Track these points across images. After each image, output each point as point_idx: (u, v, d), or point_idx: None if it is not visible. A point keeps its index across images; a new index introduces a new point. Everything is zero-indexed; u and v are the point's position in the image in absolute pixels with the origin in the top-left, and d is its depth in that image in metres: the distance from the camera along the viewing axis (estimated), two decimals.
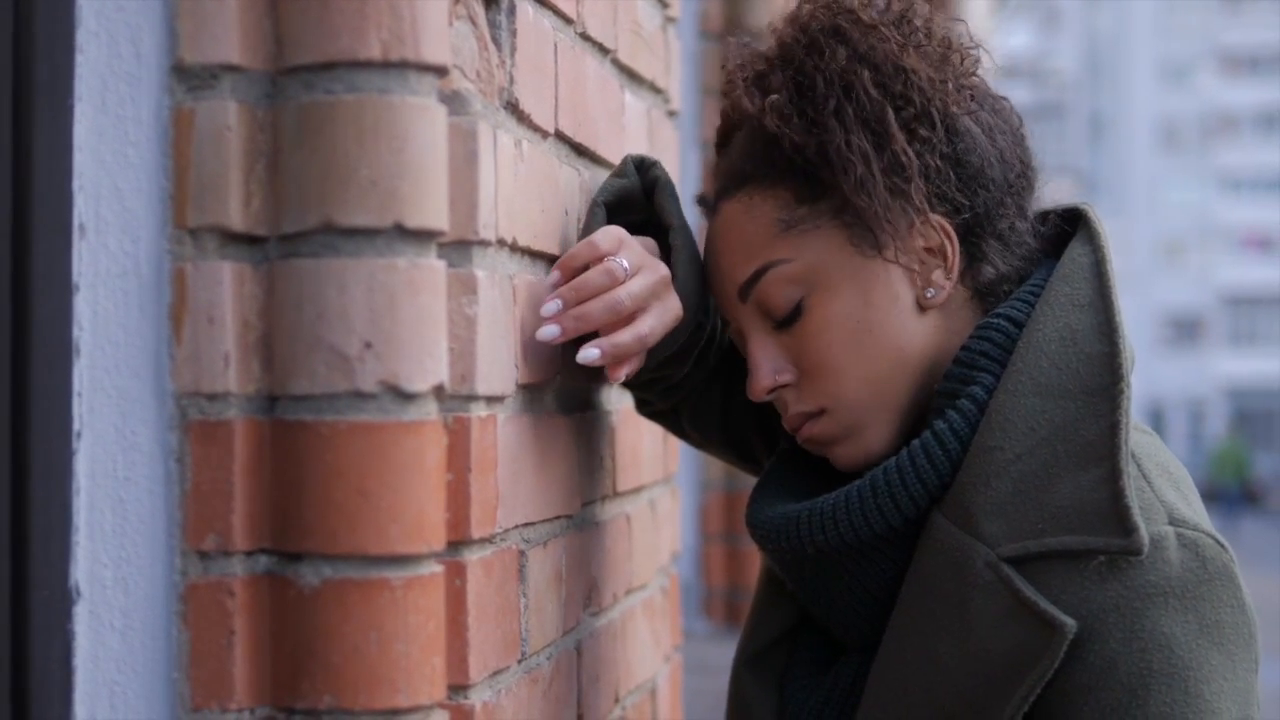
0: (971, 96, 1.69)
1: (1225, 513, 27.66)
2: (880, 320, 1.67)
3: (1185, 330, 61.39)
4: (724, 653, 3.54)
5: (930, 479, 1.63)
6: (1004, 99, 1.74)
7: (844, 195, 1.64)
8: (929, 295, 1.67)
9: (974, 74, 1.72)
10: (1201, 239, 63.49)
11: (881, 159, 1.63)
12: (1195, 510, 1.60)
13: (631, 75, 2.14)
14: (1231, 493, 28.72)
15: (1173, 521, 1.56)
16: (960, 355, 1.66)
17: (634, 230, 1.73)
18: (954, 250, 1.67)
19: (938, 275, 1.67)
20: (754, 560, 4.50)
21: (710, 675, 3.25)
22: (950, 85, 1.67)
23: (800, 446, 1.78)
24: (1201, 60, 62.86)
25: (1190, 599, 1.53)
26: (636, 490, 2.16)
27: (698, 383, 1.93)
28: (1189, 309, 61.79)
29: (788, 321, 1.69)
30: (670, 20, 2.41)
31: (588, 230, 1.72)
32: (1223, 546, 1.57)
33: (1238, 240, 64.26)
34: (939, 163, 1.66)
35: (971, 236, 1.68)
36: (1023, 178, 1.71)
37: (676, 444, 2.51)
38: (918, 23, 1.70)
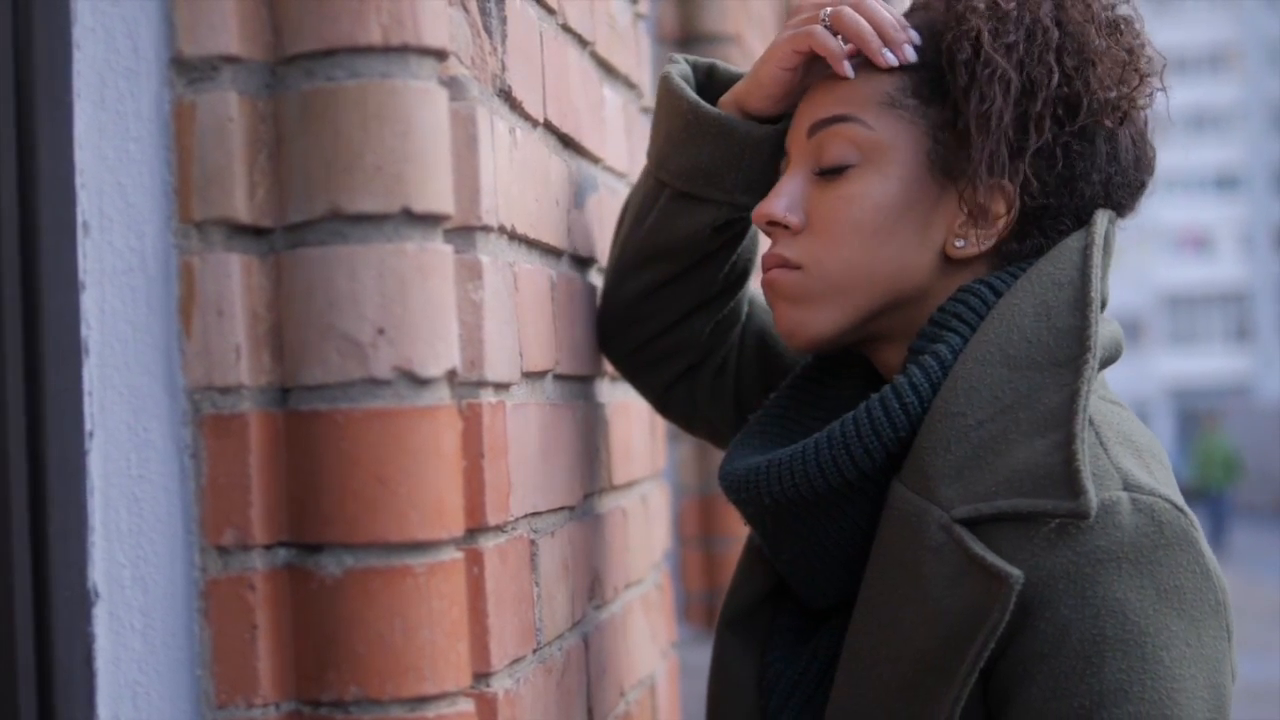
0: (1122, 119, 1.68)
1: (1213, 520, 23.45)
2: (904, 231, 1.67)
3: (1126, 332, 60.63)
4: (705, 657, 3.52)
5: (886, 433, 1.62)
6: (1153, 149, 1.74)
7: (953, 116, 1.65)
8: (957, 245, 1.67)
9: (1138, 102, 1.71)
10: (1138, 240, 63.90)
11: (1016, 111, 1.63)
12: (1156, 478, 1.58)
13: (609, 69, 2.15)
14: (1221, 495, 24.19)
15: (1127, 486, 1.54)
16: (936, 315, 1.66)
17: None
18: (1007, 225, 1.67)
19: (976, 234, 1.67)
20: (730, 564, 4.48)
21: (691, 678, 3.23)
22: (1113, 97, 1.67)
23: (783, 401, 1.80)
24: None
25: (1145, 564, 1.51)
26: (630, 484, 2.16)
27: (721, 339, 1.94)
28: (1128, 310, 62.12)
29: (828, 174, 1.69)
30: (639, 16, 2.41)
31: (666, 87, 1.83)
32: (1181, 511, 1.55)
33: (1174, 241, 64.71)
34: (1053, 150, 1.65)
35: (1029, 220, 1.68)
36: (1110, 210, 1.70)
37: (664, 439, 2.51)
38: (1127, 34, 1.70)
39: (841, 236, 1.68)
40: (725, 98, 1.81)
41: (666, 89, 1.83)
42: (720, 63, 1.89)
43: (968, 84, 1.64)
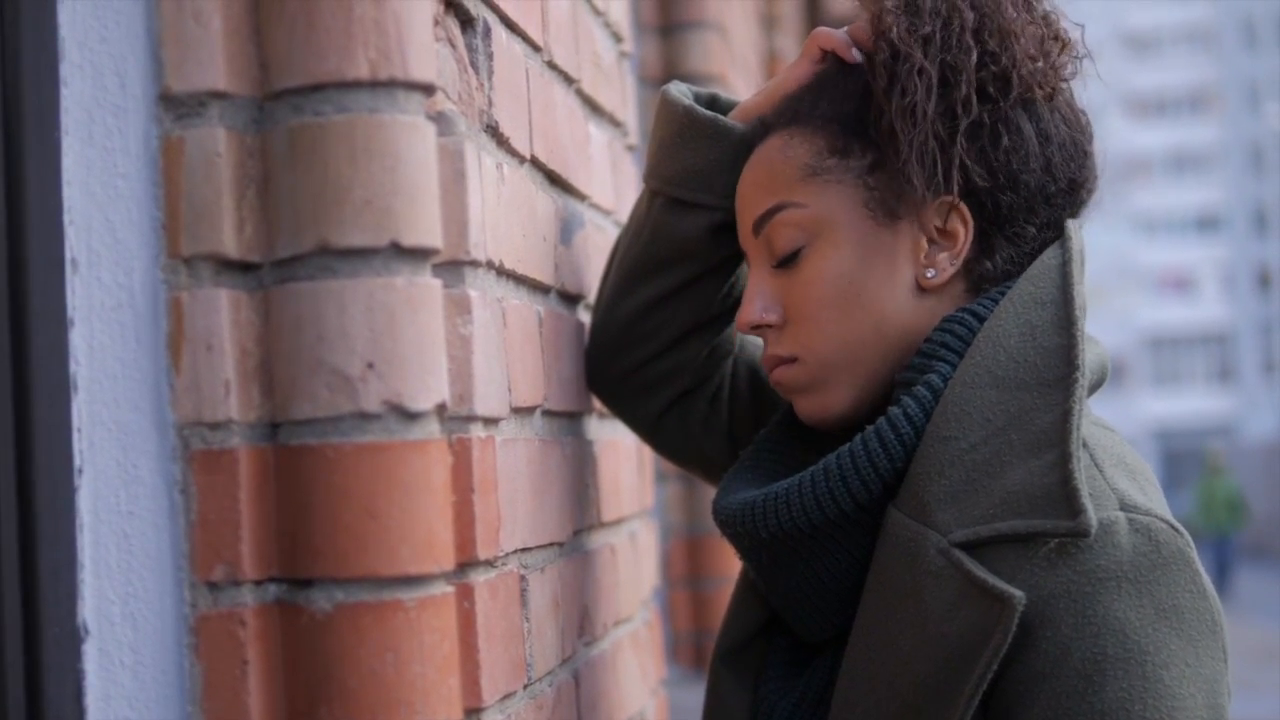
0: (1049, 95, 1.70)
1: (1218, 565, 21.50)
2: (873, 287, 1.68)
3: (1110, 373, 61.48)
4: (693, 697, 3.49)
5: (883, 464, 1.63)
6: (1084, 114, 1.76)
7: (878, 154, 1.67)
8: (929, 276, 1.69)
9: (1063, 77, 1.73)
10: (1120, 282, 64.02)
11: (941, 101, 1.65)
12: (1151, 499, 1.59)
13: (594, 106, 2.15)
14: (1225, 539, 22.37)
15: (1124, 507, 1.54)
16: (923, 347, 1.67)
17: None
18: (966, 239, 1.68)
19: (943, 259, 1.69)
20: (718, 604, 4.49)
21: (680, 718, 3.22)
22: (1040, 67, 1.69)
23: (775, 436, 1.81)
24: (1110, 104, 63.54)
25: (1144, 583, 1.51)
26: (618, 521, 2.15)
27: (715, 367, 1.95)
28: (1112, 352, 61.69)
29: (785, 263, 1.71)
30: (624, 55, 2.42)
31: (664, 99, 1.87)
32: (1178, 531, 1.55)
33: (1156, 282, 64.91)
34: (992, 128, 1.67)
35: (987, 230, 1.69)
36: (1067, 194, 1.72)
37: (651, 478, 2.50)
38: (1041, 6, 1.73)
39: (819, 317, 1.70)
40: (735, 111, 1.85)
41: (663, 100, 1.86)
42: (722, 93, 1.90)
43: (888, 84, 1.66)
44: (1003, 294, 1.68)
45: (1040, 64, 1.69)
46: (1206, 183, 63.45)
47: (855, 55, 1.71)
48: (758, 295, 1.74)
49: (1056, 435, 1.55)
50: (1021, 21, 1.69)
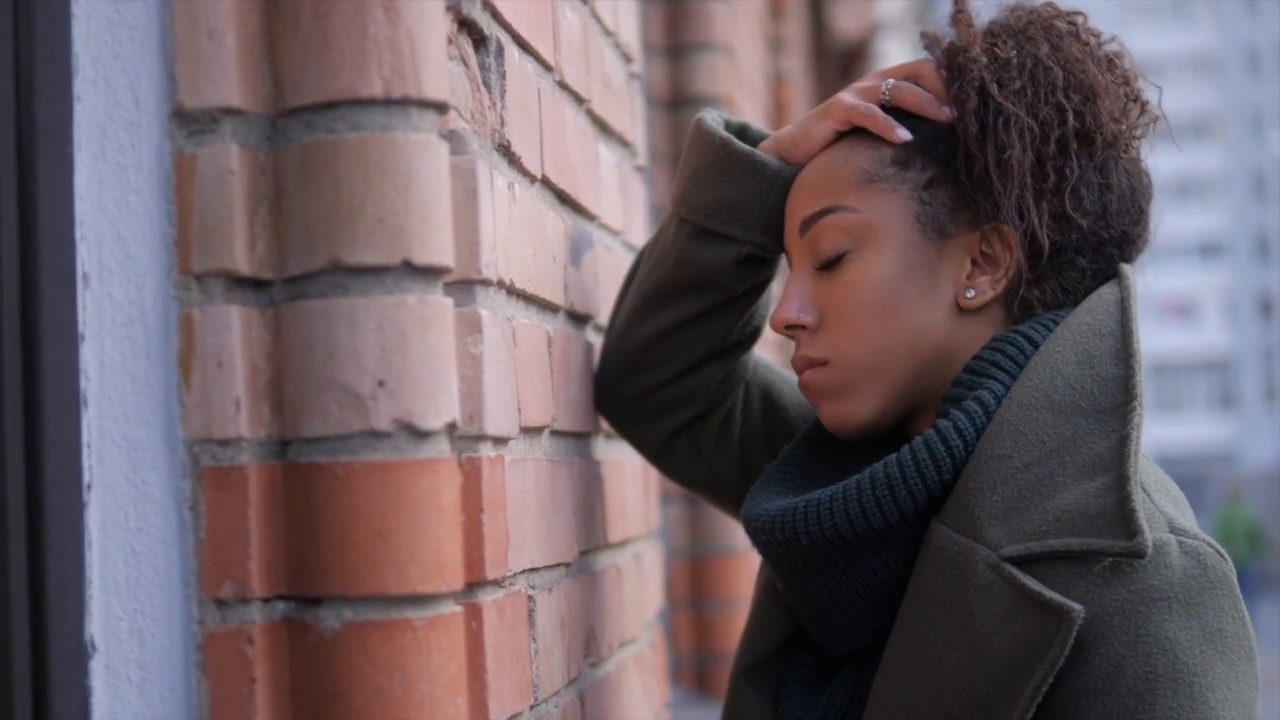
0: (1120, 153, 1.73)
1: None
2: (912, 298, 1.70)
3: None
4: (696, 718, 3.49)
5: (931, 476, 1.64)
6: (1148, 174, 1.78)
7: (944, 172, 1.70)
8: (969, 296, 1.70)
9: (1137, 136, 1.76)
10: None
11: (1032, 155, 1.67)
12: (1192, 525, 1.60)
13: (604, 127, 2.15)
14: (1245, 570, 21.32)
15: (1173, 530, 1.56)
16: (972, 364, 1.68)
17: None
18: (1010, 266, 1.70)
19: (984, 281, 1.70)
20: (721, 626, 4.49)
21: None
22: (1121, 129, 1.73)
23: (801, 449, 1.81)
24: None
25: (1193, 605, 1.53)
26: (624, 542, 2.15)
27: (729, 391, 1.95)
28: None
29: (828, 266, 1.73)
30: (633, 76, 2.42)
31: (699, 128, 1.87)
32: (1222, 556, 1.57)
33: (1158, 308, 64.94)
34: (1075, 188, 1.69)
35: (1033, 261, 1.70)
36: (1118, 244, 1.73)
37: (657, 498, 2.50)
38: (1122, 66, 1.76)
39: (856, 322, 1.71)
40: (766, 143, 1.85)
41: (699, 129, 1.87)
42: (752, 124, 1.91)
43: (980, 132, 1.68)
44: (1055, 321, 1.69)
45: (1123, 125, 1.72)
46: (1209, 209, 63.53)
47: (902, 134, 1.72)
48: (795, 296, 1.75)
49: (1113, 460, 1.57)
50: (1105, 81, 1.72)
